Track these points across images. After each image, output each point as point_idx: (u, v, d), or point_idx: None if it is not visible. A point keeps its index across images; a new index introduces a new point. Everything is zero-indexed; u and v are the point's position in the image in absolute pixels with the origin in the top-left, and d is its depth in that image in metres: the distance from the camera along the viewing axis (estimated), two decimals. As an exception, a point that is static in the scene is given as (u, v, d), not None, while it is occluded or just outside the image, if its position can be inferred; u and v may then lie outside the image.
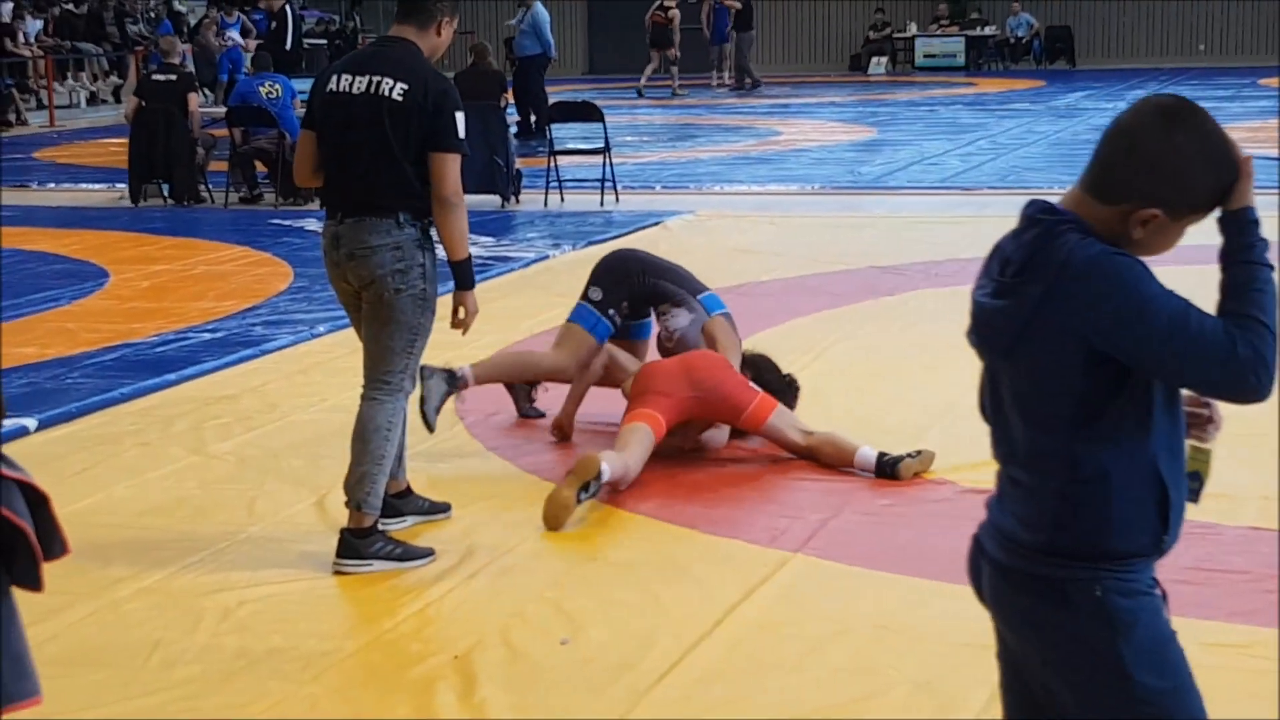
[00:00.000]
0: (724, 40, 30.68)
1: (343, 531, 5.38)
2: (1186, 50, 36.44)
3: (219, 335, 9.08)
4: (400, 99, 5.32)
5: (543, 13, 21.93)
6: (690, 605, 4.93)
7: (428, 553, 5.41)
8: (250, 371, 8.25)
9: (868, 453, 6.20)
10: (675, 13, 29.44)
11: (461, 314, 5.58)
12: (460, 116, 5.37)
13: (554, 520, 5.67)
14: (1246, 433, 6.66)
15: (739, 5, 29.32)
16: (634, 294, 7.01)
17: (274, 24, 17.92)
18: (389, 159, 5.34)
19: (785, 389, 6.70)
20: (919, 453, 6.19)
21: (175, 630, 4.82)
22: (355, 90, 5.39)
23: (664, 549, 5.50)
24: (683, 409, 6.34)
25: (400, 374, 5.45)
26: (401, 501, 5.76)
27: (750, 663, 4.51)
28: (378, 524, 5.39)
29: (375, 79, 5.38)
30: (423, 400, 6.48)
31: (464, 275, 5.53)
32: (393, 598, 5.08)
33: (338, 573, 5.30)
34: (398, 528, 5.61)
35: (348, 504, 5.40)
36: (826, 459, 6.28)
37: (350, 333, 6.19)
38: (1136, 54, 36.62)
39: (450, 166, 5.34)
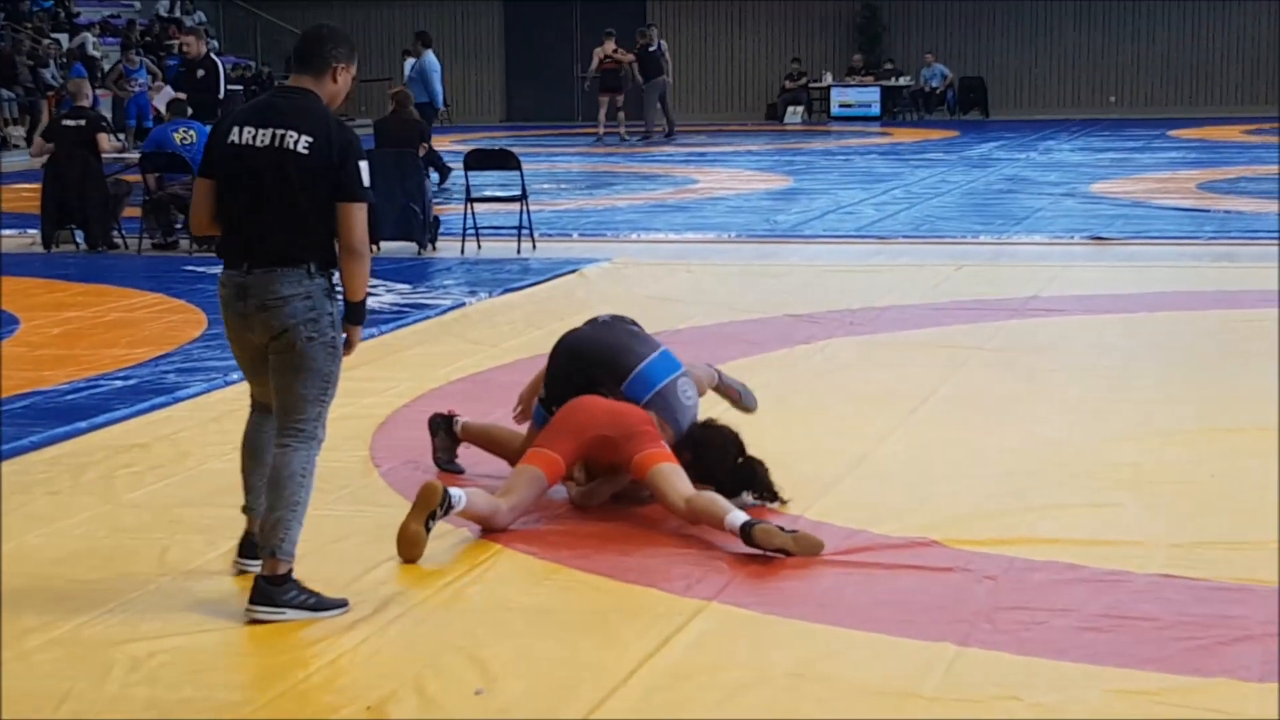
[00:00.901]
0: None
1: (257, 578, 5.35)
2: (1098, 102, 36.91)
3: (131, 383, 9.00)
4: (306, 152, 5.36)
5: (433, 61, 21.87)
6: (606, 654, 4.92)
7: (342, 603, 5.36)
8: (162, 419, 8.18)
9: (735, 518, 5.88)
10: (626, 55, 29.43)
11: (345, 346, 5.60)
12: (364, 166, 5.41)
13: (406, 553, 5.76)
14: (1157, 479, 6.76)
15: (632, 57, 29.30)
16: (570, 391, 6.80)
17: (201, 71, 17.72)
18: (298, 211, 5.37)
19: (723, 474, 6.43)
20: (795, 531, 5.83)
21: (85, 681, 4.76)
22: (259, 143, 5.40)
23: (579, 597, 5.49)
24: (587, 449, 6.32)
25: (314, 422, 5.46)
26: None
27: (666, 712, 4.50)
28: (291, 571, 5.35)
29: (279, 132, 5.39)
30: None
31: (358, 313, 5.57)
32: (305, 648, 5.03)
33: (251, 620, 5.26)
34: (255, 568, 5.50)
35: (261, 551, 5.37)
36: (703, 521, 6.04)
37: None
38: (1049, 105, 37.05)
39: (358, 216, 5.39)
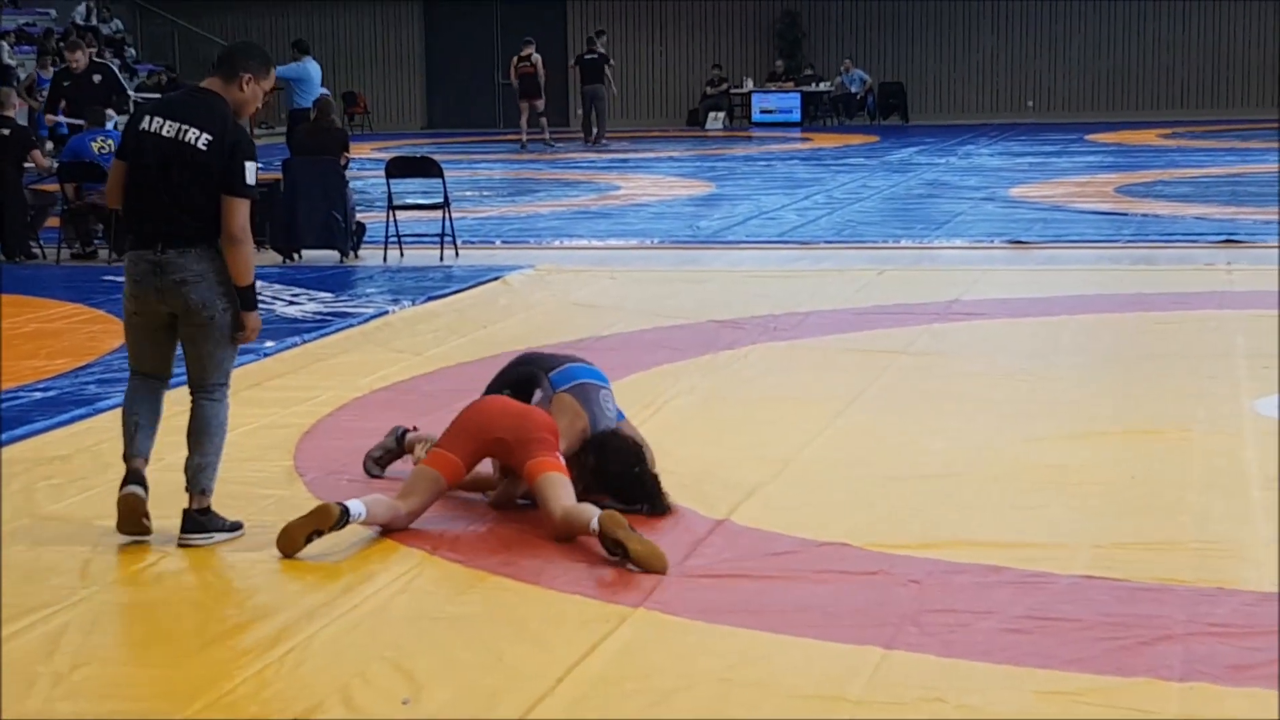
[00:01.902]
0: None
1: (185, 511, 6.18)
2: (1016, 106, 37.20)
3: (51, 394, 8.92)
4: (204, 148, 6.07)
5: (312, 66, 21.72)
6: (532, 662, 4.92)
7: (240, 525, 6.27)
8: (83, 431, 8.11)
9: (595, 521, 5.86)
10: (537, 57, 29.55)
11: (242, 333, 6.28)
12: (250, 166, 6.10)
13: (284, 548, 5.97)
14: (1078, 481, 6.82)
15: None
16: (511, 383, 6.90)
17: (98, 76, 17.51)
18: (198, 199, 6.08)
19: (621, 482, 6.42)
20: (632, 530, 5.78)
21: (7, 697, 4.71)
22: (165, 134, 6.11)
23: (506, 605, 5.48)
24: (485, 450, 6.36)
25: (226, 380, 6.33)
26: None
27: (594, 718, 4.51)
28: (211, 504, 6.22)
29: (184, 127, 6.10)
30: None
31: (248, 298, 6.21)
32: (231, 659, 5.00)
33: (183, 545, 6.11)
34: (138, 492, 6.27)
35: (189, 489, 6.20)
36: (575, 532, 6.03)
37: (181, 391, 6.53)
38: (968, 110, 37.31)
39: (239, 208, 6.08)
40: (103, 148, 15.09)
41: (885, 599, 5.42)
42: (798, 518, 6.34)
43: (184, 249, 6.09)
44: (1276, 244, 14.15)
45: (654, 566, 5.68)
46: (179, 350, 6.37)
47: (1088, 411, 8.10)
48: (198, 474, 6.20)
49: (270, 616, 5.39)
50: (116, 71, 17.93)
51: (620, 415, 6.81)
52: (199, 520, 6.18)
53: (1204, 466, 7.01)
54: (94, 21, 34.91)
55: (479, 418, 6.41)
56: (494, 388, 6.86)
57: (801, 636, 5.09)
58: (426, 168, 15.23)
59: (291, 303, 12.00)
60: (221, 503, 6.53)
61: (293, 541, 5.95)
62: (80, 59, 17.45)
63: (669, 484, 6.53)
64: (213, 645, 5.16)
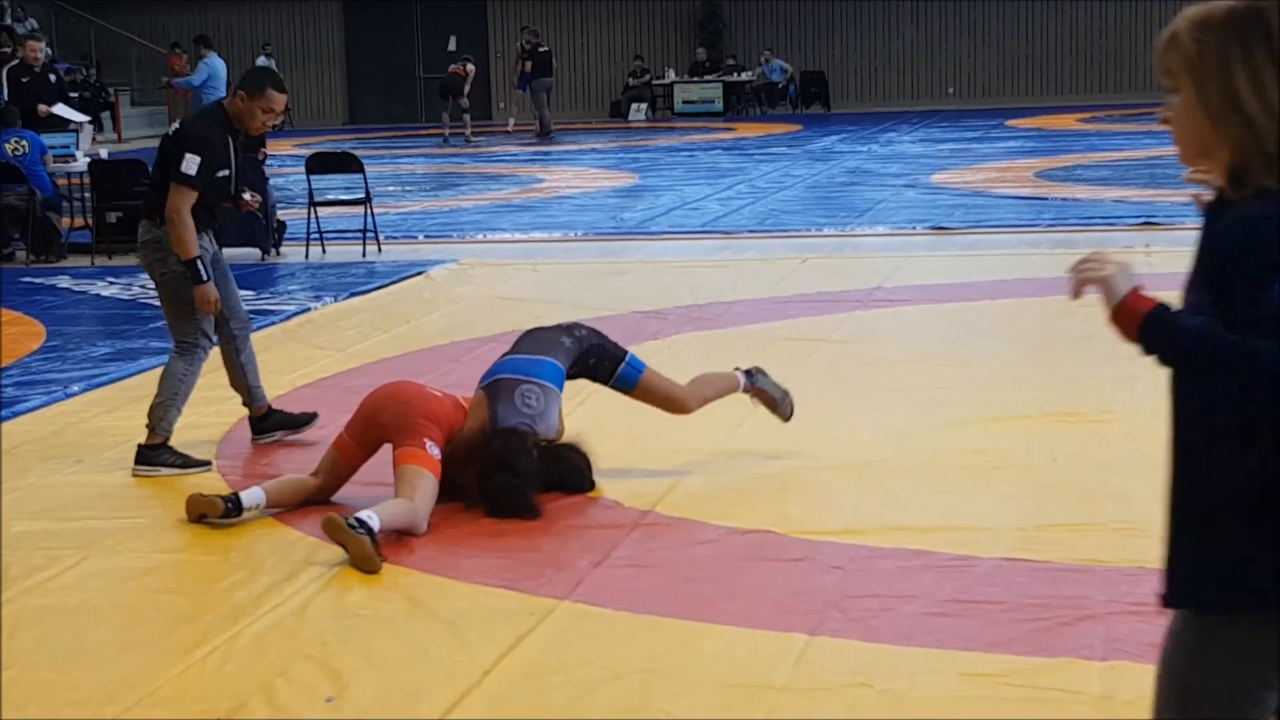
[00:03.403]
0: (523, 89, 30.90)
1: (139, 446, 7.11)
2: (936, 93, 37.40)
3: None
4: (169, 135, 7.29)
5: (217, 63, 21.56)
6: (457, 657, 4.90)
7: (205, 463, 7.16)
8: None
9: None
10: (472, 67, 29.82)
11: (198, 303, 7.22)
12: (191, 157, 7.03)
13: (190, 512, 6.32)
14: (1000, 465, 6.86)
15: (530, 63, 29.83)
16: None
17: (53, 77, 17.03)
18: (160, 175, 7.20)
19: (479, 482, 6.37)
20: (370, 538, 5.71)
21: (-76, 705, 4.66)
22: (170, 131, 7.43)
23: (429, 601, 5.46)
24: (371, 432, 6.45)
25: (193, 334, 7.24)
26: (263, 422, 7.62)
27: (520, 712, 4.50)
28: (166, 442, 7.11)
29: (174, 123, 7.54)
30: None
31: (191, 272, 7.11)
32: (153, 660, 4.96)
33: (135, 475, 7.02)
34: (270, 439, 7.57)
35: (148, 425, 7.12)
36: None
37: (104, 392, 7.40)
38: (889, 98, 37.48)
39: (173, 190, 7.07)
40: (16, 149, 14.94)
41: (809, 586, 5.43)
42: (721, 507, 6.35)
43: (142, 220, 7.31)
44: (1193, 226, 14.30)
45: (368, 568, 5.66)
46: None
47: (1009, 396, 8.15)
48: (154, 412, 7.15)
49: (193, 617, 5.36)
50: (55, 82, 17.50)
51: (533, 411, 6.63)
52: (145, 454, 7.08)
53: (1124, 449, 7.06)
54: (8, 20, 34.54)
55: (374, 401, 6.53)
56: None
57: (726, 625, 5.10)
58: (348, 163, 15.16)
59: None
60: (143, 503, 6.50)
61: (189, 513, 6.32)
62: (40, 53, 16.90)
63: (599, 468, 6.57)
64: (135, 647, 5.12)
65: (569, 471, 6.59)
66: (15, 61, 17.53)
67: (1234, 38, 2.64)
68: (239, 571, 5.78)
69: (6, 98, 17.04)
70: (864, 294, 11.32)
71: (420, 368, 9.16)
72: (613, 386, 6.97)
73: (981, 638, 4.89)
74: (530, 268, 13.40)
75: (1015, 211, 16.23)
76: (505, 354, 6.91)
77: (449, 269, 13.37)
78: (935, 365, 8.95)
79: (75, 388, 8.91)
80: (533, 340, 6.91)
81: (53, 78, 16.97)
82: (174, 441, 7.20)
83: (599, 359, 6.90)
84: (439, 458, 6.28)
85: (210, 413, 8.26)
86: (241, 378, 7.62)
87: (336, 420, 7.55)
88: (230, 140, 7.32)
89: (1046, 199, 17.15)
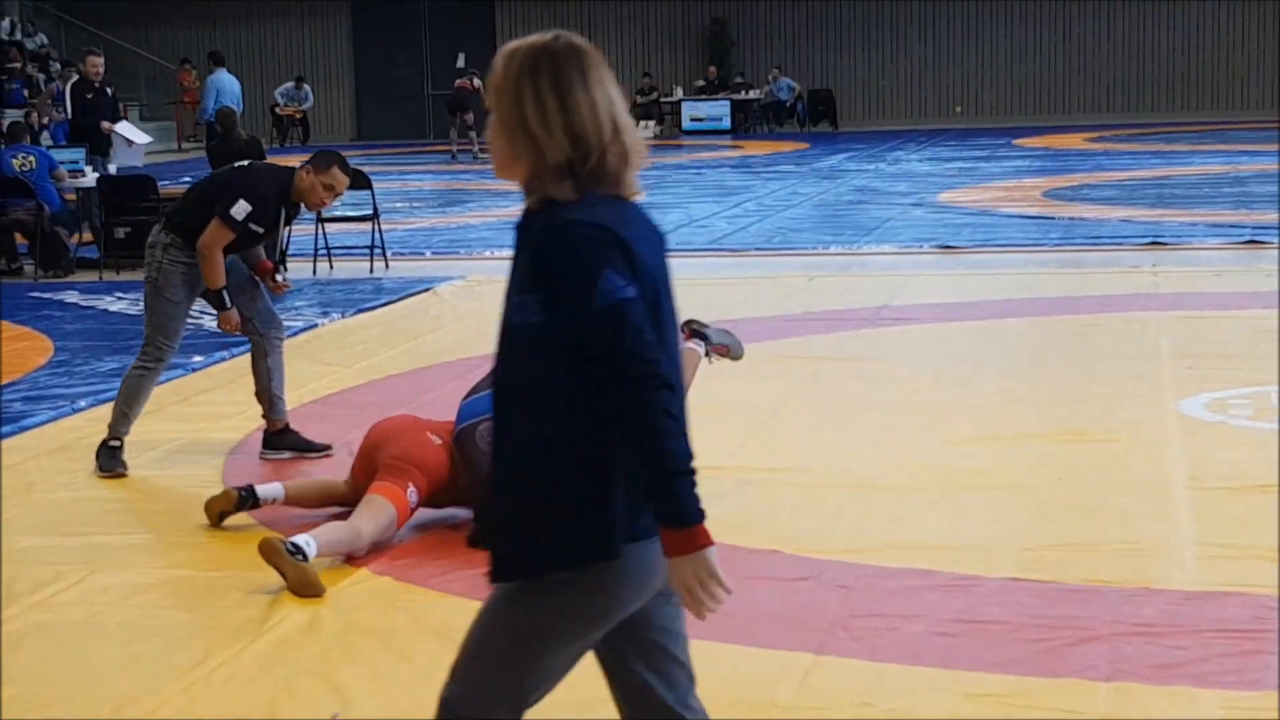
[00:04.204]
0: None
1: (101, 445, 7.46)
2: (944, 112, 37.43)
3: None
4: (236, 167, 7.80)
5: (224, 78, 21.53)
6: (462, 674, 4.89)
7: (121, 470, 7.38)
8: (8, 449, 8.03)
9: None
10: (479, 83, 29.84)
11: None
12: (243, 204, 7.31)
13: (210, 513, 6.45)
14: (1005, 484, 6.86)
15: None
16: None
17: (111, 90, 16.95)
18: (198, 198, 7.54)
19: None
20: (303, 564, 5.71)
21: (-71, 719, 4.67)
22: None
23: (435, 617, 5.46)
24: (361, 463, 6.49)
25: (154, 341, 7.46)
26: (277, 437, 7.68)
27: (523, 730, 4.49)
28: (119, 443, 7.42)
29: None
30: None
31: (216, 302, 7.47)
32: (157, 675, 4.97)
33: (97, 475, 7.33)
34: (277, 457, 7.61)
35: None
36: None
37: (111, 408, 7.29)
38: (896, 116, 37.52)
39: (213, 228, 7.33)
40: (24, 165, 14.97)
41: (814, 604, 5.43)
42: (727, 525, 6.31)
43: (159, 225, 7.57)
44: (1201, 246, 14.32)
45: (307, 593, 5.64)
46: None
47: (1014, 415, 8.14)
48: (113, 415, 7.52)
49: (197, 634, 5.36)
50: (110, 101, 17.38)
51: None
52: (100, 453, 7.46)
53: (1128, 468, 7.07)
54: (18, 36, 34.64)
55: (370, 441, 6.49)
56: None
57: (731, 643, 5.09)
58: (356, 180, 15.15)
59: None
60: (149, 518, 6.52)
61: (209, 515, 6.44)
62: (100, 69, 16.80)
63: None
64: (139, 663, 5.12)
65: None
66: (76, 78, 17.37)
67: (527, 67, 3.05)
68: (243, 588, 5.78)
69: (70, 114, 17.00)
70: (870, 312, 11.33)
71: (427, 384, 9.17)
72: None
73: (986, 658, 4.89)
74: (537, 285, 13.37)
75: (1022, 230, 16.23)
76: (465, 395, 6.72)
77: (456, 285, 13.39)
78: (941, 384, 8.95)
79: (82, 403, 8.93)
80: (487, 376, 6.85)
81: (110, 91, 16.89)
82: (177, 457, 7.24)
83: None
84: (414, 504, 6.26)
85: (217, 428, 8.29)
86: (267, 385, 7.65)
87: (344, 436, 7.57)
88: (282, 209, 7.54)
89: (1054, 218, 17.14)
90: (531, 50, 3.08)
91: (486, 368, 9.14)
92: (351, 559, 6.00)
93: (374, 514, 6.11)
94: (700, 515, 2.98)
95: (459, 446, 6.46)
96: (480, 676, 3.22)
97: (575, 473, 3.03)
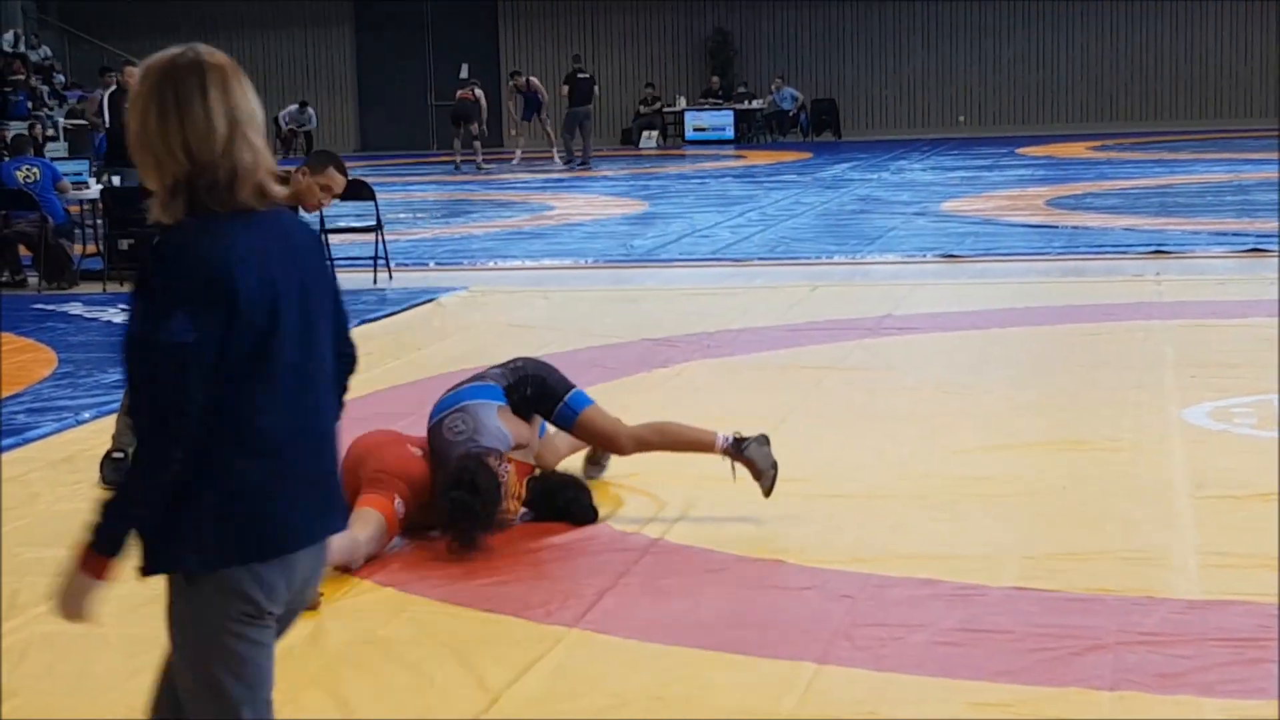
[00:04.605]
0: (527, 118, 31.35)
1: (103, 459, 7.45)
2: (947, 121, 37.45)
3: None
4: None
5: None
6: (465, 685, 4.90)
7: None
8: (12, 461, 8.04)
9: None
10: (480, 92, 30.02)
11: None
12: None
13: None
14: (1009, 493, 6.85)
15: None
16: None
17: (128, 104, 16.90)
18: None
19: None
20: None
21: (-67, 731, 4.67)
22: None
23: (438, 628, 5.46)
24: (349, 482, 6.29)
25: None
26: None
27: (526, 740, 4.50)
28: (123, 454, 7.22)
29: None
30: None
31: None
32: (161, 689, 4.96)
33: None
34: None
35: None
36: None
37: (112, 419, 7.03)
38: (899, 125, 37.54)
39: None
40: (28, 176, 15.00)
41: (818, 614, 5.43)
42: (731, 535, 6.36)
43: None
44: (1204, 254, 14.32)
45: None
46: None
47: (1017, 424, 8.14)
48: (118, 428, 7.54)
49: (201, 644, 5.35)
50: None
51: (464, 435, 6.49)
52: (103, 467, 7.46)
53: (1132, 476, 7.07)
54: (22, 48, 34.69)
55: (352, 456, 6.40)
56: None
57: (735, 653, 5.10)
58: (359, 190, 15.16)
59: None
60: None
61: None
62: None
63: (603, 498, 6.57)
64: (142, 672, 5.11)
65: (569, 504, 6.60)
66: (115, 87, 17.22)
67: (153, 83, 3.09)
68: (248, 599, 5.77)
69: (108, 124, 16.95)
70: (874, 322, 11.33)
71: (430, 395, 9.12)
72: (554, 423, 6.81)
73: (989, 667, 4.89)
74: (541, 295, 13.42)
75: (1025, 239, 16.23)
76: (460, 384, 6.82)
77: (460, 296, 13.39)
78: (944, 393, 8.95)
79: (86, 414, 8.94)
80: (464, 379, 6.89)
81: None
82: None
83: (537, 391, 6.70)
84: (401, 514, 6.27)
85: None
86: None
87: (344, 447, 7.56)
88: None
89: (1057, 227, 17.15)
90: (160, 65, 3.11)
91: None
92: (349, 570, 6.00)
93: (366, 524, 6.11)
94: (113, 551, 3.21)
95: (430, 441, 6.51)
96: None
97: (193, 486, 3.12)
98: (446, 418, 6.58)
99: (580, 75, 29.59)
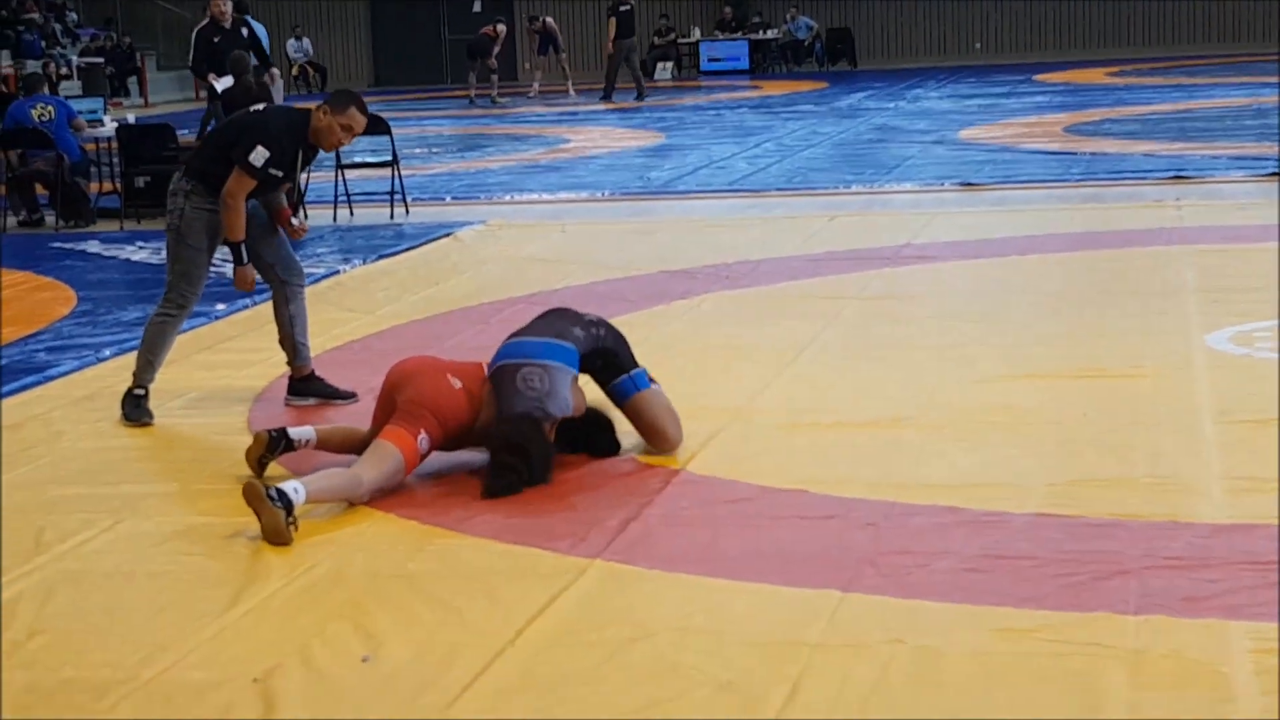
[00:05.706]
0: (543, 53, 31.40)
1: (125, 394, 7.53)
2: (963, 49, 37.23)
3: (1, 363, 8.86)
4: (250, 111, 7.69)
5: (256, 27, 21.29)
6: (491, 618, 4.91)
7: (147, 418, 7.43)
8: (34, 399, 8.06)
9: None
10: (503, 28, 30.11)
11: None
12: (260, 150, 7.22)
13: (250, 460, 6.48)
14: (1031, 421, 6.84)
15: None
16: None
17: (245, 30, 16.27)
18: (215, 145, 7.52)
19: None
20: (289, 517, 5.68)
21: (-38, 668, 4.69)
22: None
23: (464, 561, 5.47)
24: (383, 405, 6.45)
25: (176, 287, 7.53)
26: (303, 384, 7.73)
27: (551, 672, 4.51)
28: (144, 391, 7.48)
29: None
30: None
31: (235, 254, 7.51)
32: (187, 622, 4.98)
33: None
34: (303, 404, 7.66)
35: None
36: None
37: (133, 356, 7.38)
38: (916, 54, 37.32)
39: (234, 178, 7.33)
40: (43, 115, 14.97)
41: (842, 542, 5.43)
42: (754, 465, 6.35)
43: (179, 172, 7.58)
44: (1224, 178, 14.24)
45: (276, 541, 5.63)
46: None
47: (1039, 351, 8.12)
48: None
49: (225, 580, 5.37)
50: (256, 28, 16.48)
51: (538, 393, 6.34)
52: (124, 402, 7.53)
53: (1156, 402, 7.05)
54: (34, -13, 34.56)
55: (390, 381, 6.45)
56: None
57: (759, 582, 5.10)
58: (375, 125, 15.11)
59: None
60: (176, 466, 6.54)
61: (249, 462, 6.46)
62: (228, 10, 16.00)
63: (626, 430, 6.56)
64: (168, 610, 5.14)
65: (594, 435, 6.58)
66: (206, 20, 16.64)
67: None
68: (272, 534, 5.78)
69: (192, 60, 16.56)
70: (892, 251, 11.29)
71: (449, 330, 9.17)
72: (606, 393, 6.67)
73: (1014, 593, 4.89)
74: (557, 228, 13.39)
75: (1044, 166, 16.16)
76: (512, 335, 6.64)
77: (477, 230, 13.37)
78: (964, 321, 8.92)
79: (106, 352, 8.95)
80: (545, 324, 6.63)
81: (245, 31, 16.06)
82: (202, 405, 7.28)
83: (606, 363, 6.59)
84: (424, 451, 6.24)
85: (241, 375, 8.30)
86: (290, 332, 7.69)
87: (368, 383, 7.57)
88: (299, 151, 7.41)
89: (1075, 154, 17.06)
90: None
91: (509, 312, 9.23)
92: (352, 505, 6.00)
93: (379, 461, 6.10)
94: None
95: (494, 382, 6.43)
96: None
97: None
98: (526, 367, 6.36)
99: (623, 7, 29.24)
